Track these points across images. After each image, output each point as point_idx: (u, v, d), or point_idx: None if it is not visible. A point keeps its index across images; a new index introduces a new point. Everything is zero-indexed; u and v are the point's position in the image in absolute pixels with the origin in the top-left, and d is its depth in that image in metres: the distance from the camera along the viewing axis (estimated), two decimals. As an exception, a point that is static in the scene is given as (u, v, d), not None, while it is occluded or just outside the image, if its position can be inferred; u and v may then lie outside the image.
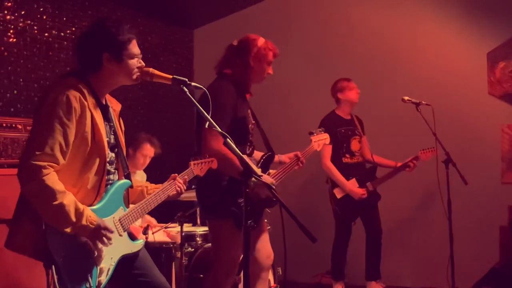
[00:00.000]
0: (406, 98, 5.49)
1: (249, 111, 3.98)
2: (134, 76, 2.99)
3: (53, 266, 2.66)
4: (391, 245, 6.25)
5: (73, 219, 2.66)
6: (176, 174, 3.31)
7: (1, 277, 4.22)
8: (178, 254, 4.81)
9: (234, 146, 2.69)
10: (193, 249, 5.11)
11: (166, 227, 5.23)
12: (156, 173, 5.48)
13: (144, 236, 4.40)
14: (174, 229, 5.26)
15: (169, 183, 3.25)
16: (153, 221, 5.69)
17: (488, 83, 6.30)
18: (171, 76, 2.86)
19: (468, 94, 6.37)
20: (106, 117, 2.99)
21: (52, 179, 2.65)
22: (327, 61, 6.98)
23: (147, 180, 5.57)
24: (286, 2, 7.34)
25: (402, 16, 6.72)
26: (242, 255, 4.03)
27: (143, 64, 3.02)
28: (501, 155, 6.25)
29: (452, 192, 5.21)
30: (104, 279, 2.84)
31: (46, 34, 5.59)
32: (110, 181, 3.01)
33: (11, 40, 5.20)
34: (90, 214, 2.72)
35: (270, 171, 4.08)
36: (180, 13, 7.39)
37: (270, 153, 4.04)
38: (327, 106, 6.11)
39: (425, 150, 5.73)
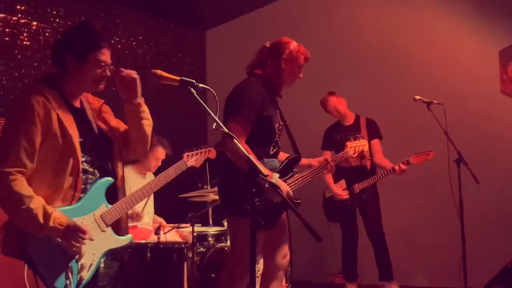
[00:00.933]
0: (417, 97, 5.47)
1: (277, 112, 4.00)
2: (101, 85, 3.06)
3: (32, 267, 2.79)
4: (403, 245, 6.25)
5: (41, 221, 2.73)
6: None
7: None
8: (190, 254, 4.85)
9: (241, 146, 2.71)
10: (205, 249, 5.15)
11: (178, 227, 5.27)
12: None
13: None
14: (186, 229, 5.29)
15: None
16: (162, 222, 5.73)
17: (500, 81, 6.26)
18: (178, 78, 2.88)
19: (480, 93, 6.34)
20: (81, 119, 3.05)
21: (19, 184, 2.75)
22: (339, 60, 6.98)
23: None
24: (297, 2, 7.35)
25: (413, 15, 6.71)
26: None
27: (108, 74, 3.05)
28: (514, 154, 6.22)
29: (464, 191, 5.18)
30: (86, 274, 2.96)
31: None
32: (90, 180, 3.07)
33: (24, 43, 5.27)
34: (58, 216, 2.79)
35: (294, 173, 4.09)
36: (192, 15, 7.44)
37: (296, 155, 4.04)
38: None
39: (418, 154, 5.73)
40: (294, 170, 4.05)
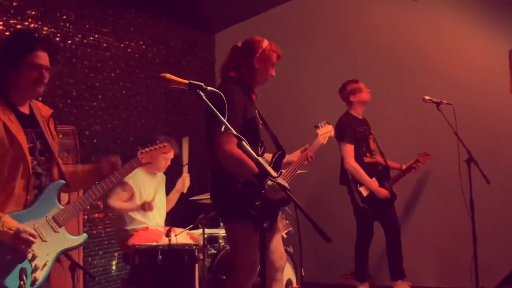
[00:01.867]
0: (427, 97, 5.47)
1: (256, 111, 3.99)
2: (39, 89, 3.14)
3: None
4: (414, 245, 6.24)
5: None
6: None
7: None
8: (201, 256, 4.87)
9: (250, 148, 2.71)
10: (215, 251, 5.17)
11: (188, 229, 5.30)
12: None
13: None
14: (197, 231, 5.31)
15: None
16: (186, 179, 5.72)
17: (510, 80, 6.21)
18: (187, 81, 2.90)
19: (490, 93, 6.31)
20: (29, 124, 3.15)
21: None
22: (347, 61, 6.98)
23: (166, 183, 5.67)
24: (306, 4, 7.35)
25: (422, 15, 6.69)
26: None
27: (46, 77, 3.12)
28: (524, 153, 6.19)
29: (475, 191, 5.17)
30: (40, 274, 3.08)
31: (70, 42, 5.70)
32: (42, 183, 3.17)
33: (35, 48, 5.30)
34: (7, 221, 2.92)
35: (282, 170, 4.08)
36: (201, 17, 7.46)
37: (281, 151, 4.02)
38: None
39: (422, 154, 5.90)
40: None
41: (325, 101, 6.91)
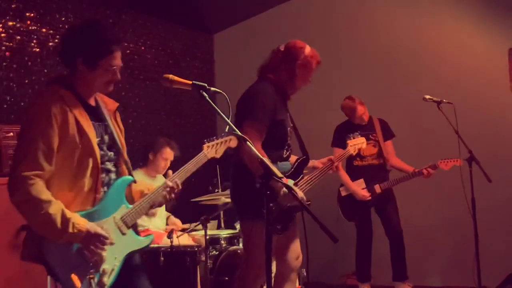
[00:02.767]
0: (427, 96, 5.46)
1: (288, 115, 4.01)
2: (110, 88, 3.02)
3: (52, 274, 2.72)
4: (416, 245, 6.22)
5: (59, 227, 2.65)
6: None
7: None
8: (203, 257, 4.85)
9: (254, 149, 2.70)
10: (217, 252, 5.15)
11: (190, 231, 5.28)
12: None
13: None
14: (199, 232, 5.30)
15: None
16: (177, 222, 5.73)
17: (510, 79, 6.24)
18: (190, 82, 2.88)
19: (490, 91, 6.31)
20: (96, 118, 3.00)
21: (38, 189, 2.66)
22: (347, 62, 6.97)
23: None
24: (306, 4, 7.34)
25: (422, 13, 6.68)
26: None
27: (118, 77, 3.00)
28: (525, 152, 6.19)
29: (476, 190, 5.16)
30: (107, 280, 2.81)
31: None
32: (111, 180, 3.00)
33: (34, 50, 5.29)
34: (77, 222, 2.70)
35: (304, 174, 4.10)
36: (200, 18, 7.45)
37: (304, 157, 4.04)
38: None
39: (446, 160, 5.65)
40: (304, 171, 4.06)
41: (325, 102, 6.90)
